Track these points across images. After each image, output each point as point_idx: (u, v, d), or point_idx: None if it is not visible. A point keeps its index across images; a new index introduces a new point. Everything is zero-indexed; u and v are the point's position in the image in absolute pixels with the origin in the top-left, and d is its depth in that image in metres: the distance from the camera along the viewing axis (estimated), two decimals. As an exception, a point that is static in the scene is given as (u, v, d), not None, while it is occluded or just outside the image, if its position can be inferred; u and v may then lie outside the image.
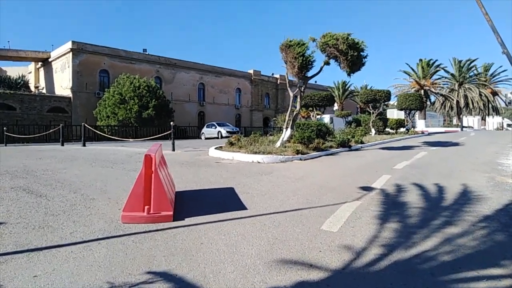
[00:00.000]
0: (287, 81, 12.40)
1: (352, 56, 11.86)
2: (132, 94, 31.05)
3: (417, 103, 22.87)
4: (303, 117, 51.27)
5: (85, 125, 15.77)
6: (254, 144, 12.36)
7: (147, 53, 41.26)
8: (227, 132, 29.27)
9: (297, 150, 10.77)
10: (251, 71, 51.64)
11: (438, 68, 42.04)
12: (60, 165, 8.33)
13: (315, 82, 51.85)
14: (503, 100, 59.13)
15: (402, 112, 43.94)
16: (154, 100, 31.79)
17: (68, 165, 8.44)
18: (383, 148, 14.38)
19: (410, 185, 6.55)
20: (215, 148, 11.59)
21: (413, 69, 42.99)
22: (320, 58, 12.23)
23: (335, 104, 48.76)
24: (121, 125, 30.34)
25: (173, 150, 12.04)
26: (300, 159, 10.45)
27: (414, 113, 24.74)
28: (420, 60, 41.86)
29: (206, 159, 10.02)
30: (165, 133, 11.55)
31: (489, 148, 13.95)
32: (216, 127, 31.03)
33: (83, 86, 35.29)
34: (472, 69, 50.48)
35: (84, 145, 14.88)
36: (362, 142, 15.50)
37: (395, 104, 25.13)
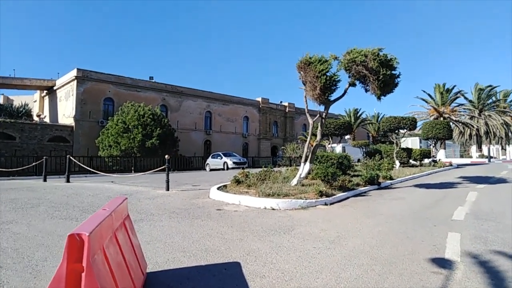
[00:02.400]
0: (306, 105, 10.39)
1: (384, 75, 9.89)
2: (136, 123, 29.49)
3: (445, 131, 20.67)
4: (311, 145, 49.04)
5: (71, 157, 13.84)
6: (265, 182, 10.23)
7: (153, 80, 40.13)
8: (234, 163, 27.18)
9: (320, 191, 8.59)
10: (259, 99, 50.22)
11: (458, 95, 39.97)
12: (10, 216, 6.26)
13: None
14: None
15: (417, 141, 41.70)
16: (158, 128, 30.15)
17: (21, 215, 6.37)
18: (418, 186, 12.11)
19: (502, 256, 4.31)
20: (218, 188, 9.45)
21: (430, 96, 40.98)
22: (343, 79, 10.24)
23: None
24: (123, 155, 28.56)
25: (167, 189, 9.93)
26: (325, 204, 8.26)
27: (442, 143, 22.50)
28: (438, 85, 39.86)
29: (206, 204, 7.87)
30: (163, 167, 9.68)
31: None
32: (222, 158, 28.94)
33: (87, 114, 33.93)
34: (491, 96, 48.37)
35: (68, 181, 12.87)
36: (391, 178, 13.26)
37: (418, 132, 23.01)
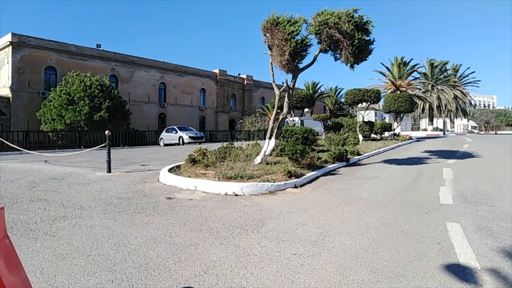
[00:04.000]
0: (271, 73, 9.07)
1: (360, 40, 8.79)
2: (82, 94, 26.73)
3: (407, 105, 20.31)
4: (270, 119, 48.00)
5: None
6: (226, 161, 8.97)
7: (101, 48, 36.69)
8: (190, 137, 25.49)
9: (288, 171, 7.49)
10: (216, 71, 48.13)
11: (414, 69, 40.34)
12: None
13: (283, 82, 49.00)
14: (470, 102, 59.19)
15: (372, 115, 42.03)
16: (108, 100, 27.58)
17: None
18: (387, 162, 11.41)
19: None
20: (170, 170, 8.03)
21: (388, 69, 41.07)
22: (313, 45, 9.03)
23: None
24: (69, 130, 25.93)
25: (109, 171, 8.37)
26: (296, 186, 7.18)
27: (403, 116, 22.33)
28: (396, 59, 39.95)
29: (154, 191, 6.48)
30: (104, 144, 8.05)
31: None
32: (177, 132, 27.07)
33: (25, 84, 30.42)
34: (444, 71, 49.72)
35: (-9, 161, 10.85)
36: (358, 154, 12.48)
37: (373, 106, 22.50)
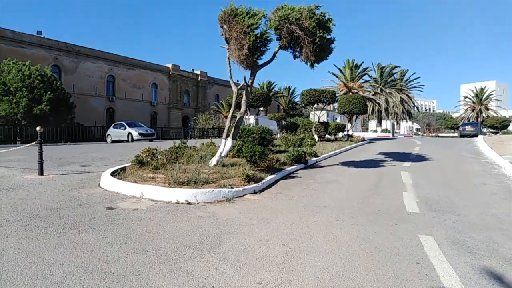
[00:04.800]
0: (229, 68, 8.41)
1: (321, 38, 8.40)
2: (20, 84, 24.34)
3: (361, 106, 20.55)
4: (225, 117, 47.43)
5: None
6: (178, 162, 8.20)
7: (42, 36, 33.80)
8: (140, 134, 24.07)
9: (247, 175, 6.90)
10: (169, 65, 46.43)
11: (365, 72, 41.46)
12: None
13: (238, 80, 48.51)
14: (415, 106, 62.29)
15: (325, 116, 42.77)
16: (49, 92, 25.35)
17: None
18: (345, 164, 11.21)
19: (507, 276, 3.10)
20: (113, 174, 7.10)
21: (341, 71, 41.83)
22: (272, 42, 8.51)
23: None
24: (3, 123, 23.51)
25: (41, 173, 7.27)
26: (255, 192, 6.61)
27: (357, 118, 22.59)
28: (348, 61, 40.79)
29: (91, 200, 5.58)
30: (36, 140, 7.04)
31: (465, 164, 11.64)
32: (125, 128, 25.45)
33: (-50, 72, 27.14)
34: (392, 75, 51.86)
35: None
36: (316, 155, 12.20)
37: (335, 107, 22.59)
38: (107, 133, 26.83)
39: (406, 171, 9.76)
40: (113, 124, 28.29)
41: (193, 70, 51.55)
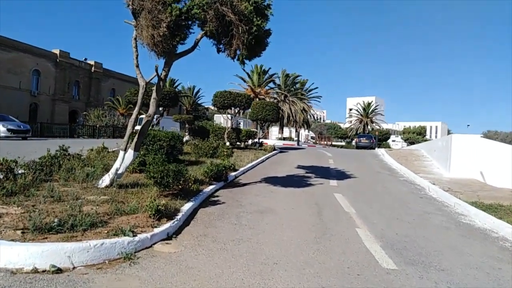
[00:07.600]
0: (135, 54, 6.05)
1: (258, 27, 6.64)
2: None
3: (274, 113, 19.42)
4: (121, 114, 42.62)
5: None
6: (51, 181, 5.58)
7: None
8: (9, 130, 19.19)
9: (156, 209, 4.70)
10: (57, 51, 40.21)
11: (272, 78, 41.42)
12: None
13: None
14: (312, 115, 65.39)
15: (229, 121, 41.70)
16: None
17: None
18: (269, 181, 9.61)
19: None
20: None
21: (249, 75, 41.08)
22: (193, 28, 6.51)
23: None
24: None
25: None
26: (169, 237, 4.48)
27: (269, 125, 21.48)
28: (256, 66, 40.26)
29: None
30: None
31: (389, 184, 11.09)
32: (-11, 122, 20.19)
33: None
34: (296, 83, 53.27)
35: None
36: (235, 169, 10.39)
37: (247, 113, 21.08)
38: (-37, 127, 21.01)
39: (338, 193, 8.55)
40: (-29, 116, 22.38)
41: (85, 59, 45.65)
